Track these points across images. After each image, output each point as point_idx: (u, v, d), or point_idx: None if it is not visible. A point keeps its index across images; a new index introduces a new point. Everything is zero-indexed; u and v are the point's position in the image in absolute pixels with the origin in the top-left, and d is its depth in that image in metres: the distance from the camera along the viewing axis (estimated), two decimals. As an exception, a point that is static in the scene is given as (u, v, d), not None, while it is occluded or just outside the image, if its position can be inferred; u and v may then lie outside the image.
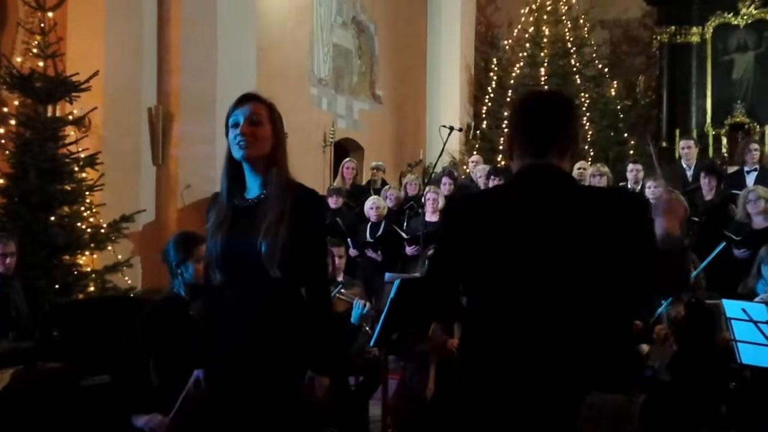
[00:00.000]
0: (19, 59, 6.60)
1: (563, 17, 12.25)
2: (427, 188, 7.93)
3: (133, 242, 7.28)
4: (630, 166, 8.01)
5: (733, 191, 7.11)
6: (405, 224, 7.90)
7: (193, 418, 3.24)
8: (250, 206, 2.68)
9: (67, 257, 6.20)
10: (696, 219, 6.81)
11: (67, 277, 6.13)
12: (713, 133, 11.87)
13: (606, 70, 12.27)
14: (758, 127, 11.69)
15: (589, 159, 10.27)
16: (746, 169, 7.68)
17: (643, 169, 7.90)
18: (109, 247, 6.54)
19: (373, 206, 7.89)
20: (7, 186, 6.20)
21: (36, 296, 5.68)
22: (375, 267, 7.48)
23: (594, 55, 12.33)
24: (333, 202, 8.10)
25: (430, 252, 5.03)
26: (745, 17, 11.89)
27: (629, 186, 7.89)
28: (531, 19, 12.38)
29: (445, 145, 7.51)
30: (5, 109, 6.56)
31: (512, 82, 12.11)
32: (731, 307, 4.16)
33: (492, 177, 8.16)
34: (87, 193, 6.42)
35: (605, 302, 2.25)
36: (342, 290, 5.12)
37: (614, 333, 2.31)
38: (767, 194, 6.24)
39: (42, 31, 6.32)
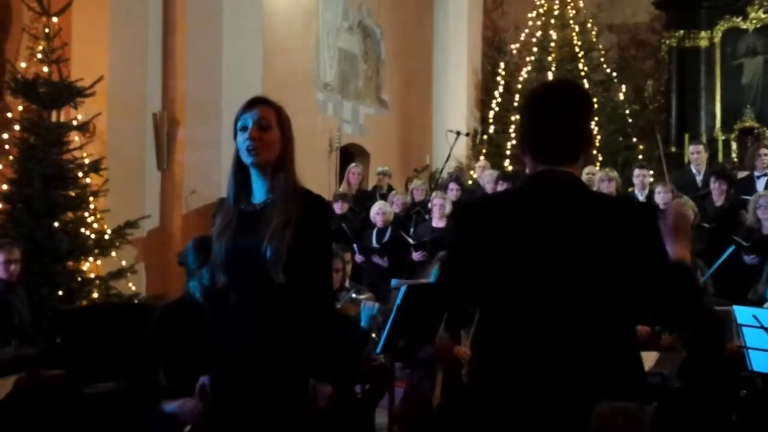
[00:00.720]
0: (23, 64, 6.59)
1: (571, 21, 12.21)
2: (434, 194, 7.89)
3: (137, 248, 7.27)
4: (636, 171, 7.97)
5: (744, 196, 7.06)
6: (412, 230, 7.86)
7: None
8: (257, 211, 2.67)
9: (71, 263, 6.18)
10: (706, 225, 6.75)
11: (71, 283, 6.12)
12: (723, 137, 11.80)
13: (614, 74, 12.21)
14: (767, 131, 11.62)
15: (598, 164, 10.22)
16: (756, 174, 7.63)
17: (650, 174, 7.86)
18: (114, 254, 6.53)
19: (379, 212, 7.85)
20: (11, 192, 6.19)
21: (39, 303, 5.67)
22: (381, 273, 7.43)
23: (602, 59, 12.28)
24: (338, 208, 8.07)
25: (441, 256, 4.99)
26: (754, 21, 11.83)
27: (636, 191, 7.84)
28: (538, 23, 12.34)
29: (452, 150, 7.49)
30: (9, 115, 6.55)
31: (519, 86, 12.05)
32: (742, 313, 4.10)
33: (500, 182, 8.13)
34: (91, 198, 6.41)
35: (614, 311, 2.20)
36: (353, 294, 5.08)
37: (621, 340, 2.25)
38: None
39: (46, 37, 6.33)
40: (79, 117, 6.51)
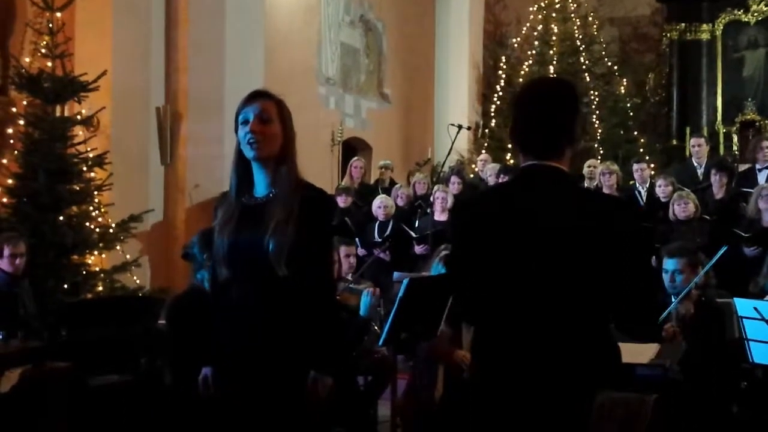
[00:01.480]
0: (27, 59, 6.61)
1: (572, 15, 12.20)
2: (436, 187, 7.91)
3: (141, 242, 7.29)
4: (635, 166, 7.99)
5: (745, 189, 7.07)
6: (416, 223, 7.88)
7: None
8: (259, 205, 2.68)
9: (75, 257, 6.21)
10: (707, 217, 6.77)
11: (76, 277, 6.15)
12: (724, 130, 11.81)
13: (615, 67, 12.21)
14: (769, 124, 11.63)
15: (599, 157, 10.23)
16: (758, 166, 7.64)
17: (649, 167, 7.88)
18: (118, 247, 6.55)
19: (381, 205, 7.87)
20: (16, 186, 6.22)
21: (45, 296, 5.69)
22: (383, 266, 7.46)
23: (603, 52, 12.28)
24: (342, 201, 8.09)
25: (443, 252, 5.02)
26: (756, 14, 11.82)
27: (637, 184, 7.86)
28: (539, 16, 12.33)
29: (453, 143, 7.50)
30: (14, 110, 6.58)
31: (521, 80, 12.03)
32: (743, 305, 4.12)
33: (502, 176, 8.15)
34: (95, 192, 6.42)
35: (597, 302, 2.27)
36: (351, 285, 5.10)
37: (603, 331, 2.33)
38: None
39: (50, 32, 6.33)
40: (83, 111, 6.52)
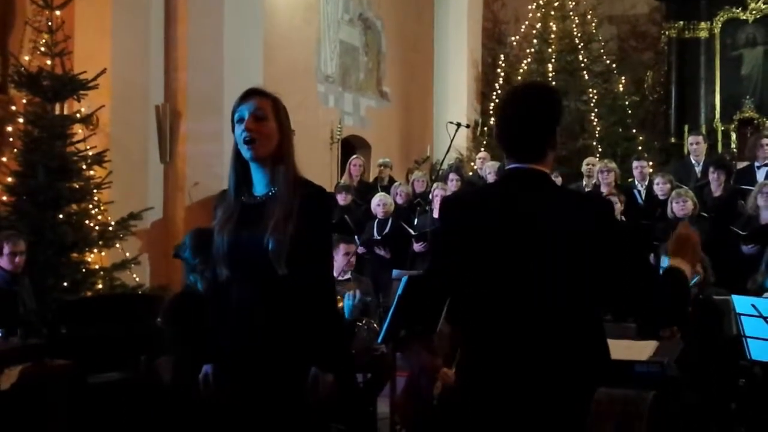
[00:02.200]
0: (26, 58, 6.61)
1: (570, 13, 12.20)
2: (435, 185, 7.91)
3: (141, 240, 7.30)
4: (635, 163, 7.99)
5: (743, 187, 7.08)
6: (415, 221, 7.89)
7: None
8: (258, 204, 2.68)
9: (75, 255, 6.22)
10: (705, 214, 6.78)
11: (76, 274, 6.15)
12: (722, 128, 11.82)
13: (614, 65, 12.21)
14: (767, 122, 11.63)
15: (597, 155, 10.24)
16: (757, 164, 7.65)
17: (648, 165, 7.88)
18: (117, 245, 6.56)
19: (380, 203, 7.88)
20: (16, 184, 6.23)
21: (44, 294, 5.70)
22: (382, 264, 7.47)
23: (602, 50, 12.28)
24: (342, 199, 8.10)
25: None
26: (754, 12, 11.83)
27: (636, 182, 7.87)
28: (538, 15, 12.33)
29: (452, 141, 7.50)
30: (13, 108, 6.58)
31: (519, 78, 12.04)
32: (741, 302, 4.13)
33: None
34: (95, 190, 6.43)
35: (579, 300, 2.31)
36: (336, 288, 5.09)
37: (590, 328, 2.36)
38: None
39: (49, 30, 6.34)
40: (83, 109, 6.53)
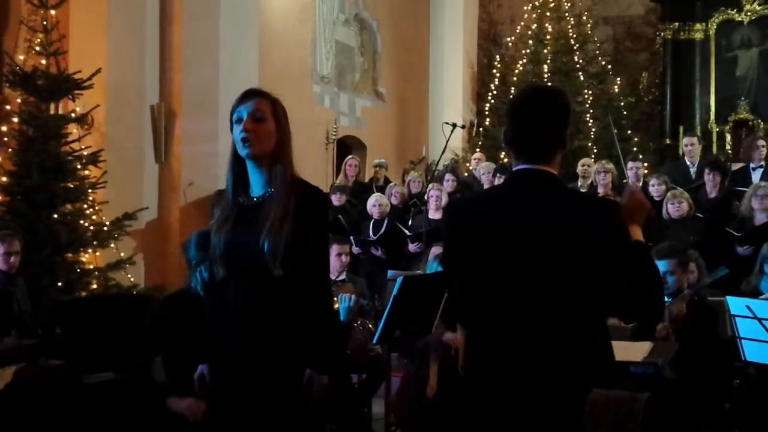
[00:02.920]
0: (21, 57, 6.60)
1: (566, 14, 12.21)
2: (430, 185, 7.92)
3: (135, 240, 7.29)
4: (630, 164, 7.99)
5: (738, 188, 7.09)
6: (410, 221, 7.89)
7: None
8: (255, 204, 2.68)
9: (70, 255, 6.21)
10: (700, 215, 6.80)
11: (70, 274, 6.15)
12: (717, 129, 11.85)
13: (609, 67, 12.24)
14: (762, 123, 11.67)
15: (593, 156, 10.24)
16: (752, 165, 7.67)
17: (643, 166, 7.89)
18: (112, 245, 6.56)
19: (375, 203, 7.88)
20: (10, 184, 6.21)
21: (39, 294, 5.69)
22: (378, 264, 7.47)
23: (597, 51, 12.30)
24: (336, 200, 8.09)
25: (437, 252, 5.04)
26: (749, 14, 11.86)
27: (630, 183, 7.87)
28: (534, 15, 12.34)
29: (447, 142, 7.51)
30: (8, 107, 6.59)
31: (515, 79, 12.08)
32: (735, 304, 4.14)
33: (498, 175, 8.17)
34: (90, 190, 6.43)
35: (588, 300, 2.33)
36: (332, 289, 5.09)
37: (596, 330, 2.38)
38: None
39: (44, 29, 6.33)
40: (78, 109, 6.53)
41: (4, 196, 6.19)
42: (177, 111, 7.89)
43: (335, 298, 4.92)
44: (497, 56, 12.88)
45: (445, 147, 7.58)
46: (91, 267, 6.35)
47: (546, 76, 11.83)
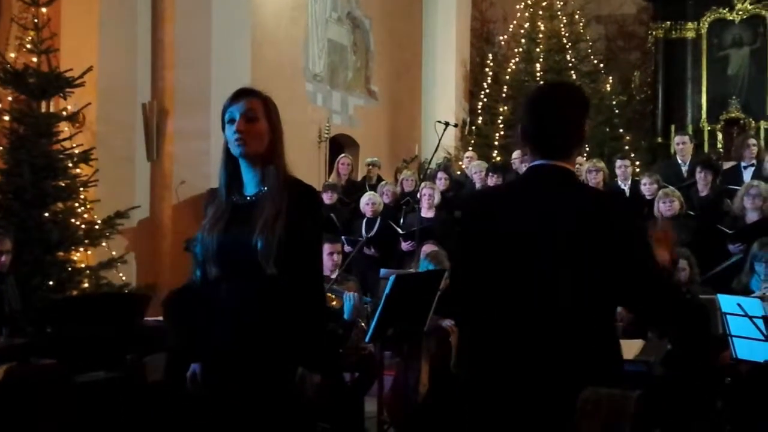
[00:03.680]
0: (12, 55, 6.57)
1: (558, 13, 12.24)
2: (423, 184, 7.92)
3: (127, 238, 7.27)
4: (618, 162, 8.01)
5: (729, 186, 7.12)
6: (401, 220, 7.89)
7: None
8: (249, 203, 2.68)
9: (61, 253, 6.18)
10: (692, 213, 6.82)
11: (61, 273, 6.12)
12: (708, 128, 11.88)
13: (601, 65, 12.26)
14: (753, 122, 11.71)
15: (585, 155, 10.25)
16: (743, 164, 7.69)
17: (632, 165, 7.90)
18: (104, 243, 6.53)
19: (369, 202, 7.88)
20: (1, 182, 6.18)
21: (30, 293, 5.67)
22: (370, 263, 7.47)
23: (589, 50, 12.32)
24: (327, 198, 8.09)
25: (429, 250, 5.03)
26: (740, 13, 11.89)
27: (619, 182, 7.89)
28: (526, 14, 12.36)
29: (440, 140, 7.50)
30: (-1, 105, 6.54)
31: (507, 77, 12.10)
32: (727, 302, 4.16)
33: (491, 174, 8.17)
34: (81, 189, 6.40)
35: (599, 301, 2.31)
36: (333, 287, 5.10)
37: (604, 330, 2.37)
38: None
39: (35, 27, 6.30)
40: (69, 107, 6.50)
41: (-5, 195, 6.17)
42: (169, 109, 7.87)
43: (338, 296, 4.93)
44: (490, 55, 12.89)
45: (438, 145, 7.58)
46: (83, 266, 6.33)
47: (538, 74, 11.85)
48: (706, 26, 12.02)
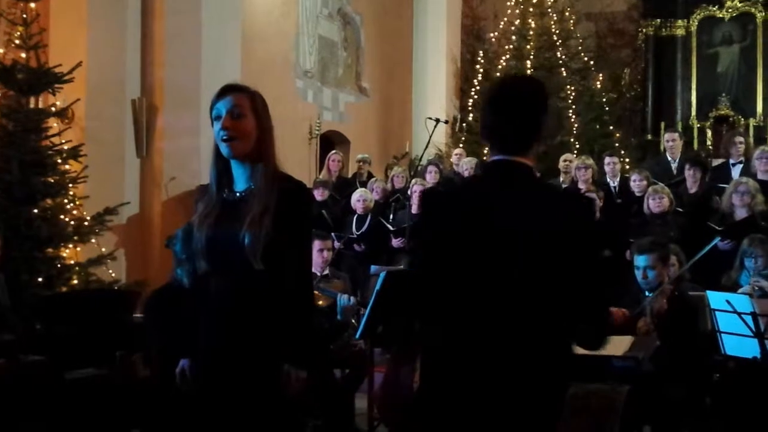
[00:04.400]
0: (1, 50, 6.52)
1: (549, 10, 12.25)
2: (413, 180, 7.92)
3: (116, 235, 7.25)
4: (607, 159, 8.03)
5: (719, 184, 7.14)
6: (392, 217, 7.89)
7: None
8: (238, 199, 2.67)
9: (50, 250, 6.15)
10: (681, 210, 6.84)
11: (51, 270, 6.09)
12: (698, 125, 11.94)
13: (592, 62, 12.29)
14: (742, 120, 11.77)
15: (575, 151, 10.29)
16: (732, 161, 7.72)
17: (621, 162, 7.92)
18: (93, 240, 6.51)
19: (360, 199, 7.88)
20: (-11, 178, 6.15)
21: (19, 289, 5.63)
22: (360, 259, 7.47)
23: (580, 47, 12.34)
24: (319, 195, 8.09)
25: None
26: (730, 10, 11.94)
27: (608, 179, 7.91)
28: (517, 11, 12.37)
29: (431, 137, 7.51)
30: (-13, 101, 6.49)
31: (498, 74, 12.09)
32: (715, 298, 4.18)
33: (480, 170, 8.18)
34: (70, 185, 6.37)
35: (555, 297, 2.27)
36: (320, 285, 5.08)
37: (560, 327, 2.31)
38: (756, 190, 6.24)
39: (24, 22, 6.27)
40: (58, 103, 6.46)
41: (-16, 191, 6.13)
42: (158, 105, 7.85)
43: (327, 295, 4.92)
44: (480, 52, 12.90)
45: (429, 142, 7.58)
46: (72, 262, 6.30)
47: (529, 72, 11.85)
48: (696, 24, 12.07)
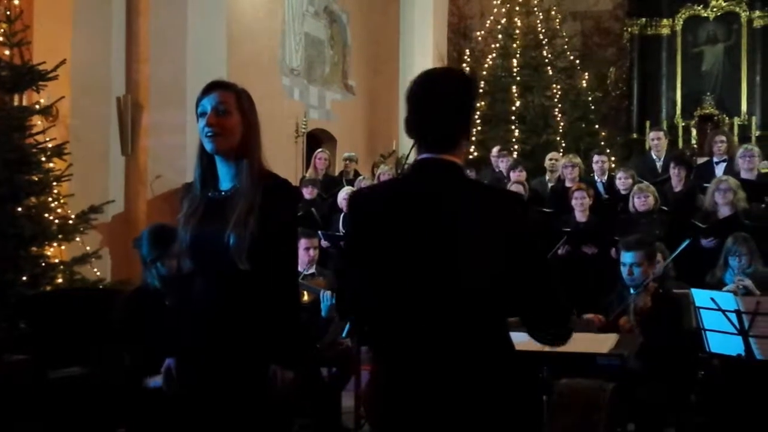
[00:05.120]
0: (-16, 48, 6.48)
1: (535, 9, 12.30)
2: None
3: (101, 233, 7.20)
4: (595, 158, 8.06)
5: (703, 182, 7.18)
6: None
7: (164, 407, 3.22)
8: (224, 198, 2.66)
9: (34, 249, 6.10)
10: (665, 208, 6.88)
11: (35, 268, 6.04)
12: (683, 124, 12.01)
13: (577, 61, 12.35)
14: (727, 118, 11.85)
15: (561, 150, 10.33)
16: (715, 159, 7.77)
17: (609, 160, 7.95)
18: (78, 239, 6.45)
19: (347, 197, 7.86)
20: (-27, 177, 6.10)
21: (3, 288, 5.60)
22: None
23: (565, 46, 12.40)
24: (308, 193, 8.07)
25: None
26: (715, 9, 12.02)
27: (596, 177, 7.94)
28: (503, 10, 12.41)
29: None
30: (-30, 99, 6.44)
31: (485, 73, 12.13)
32: (700, 296, 4.20)
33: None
34: (54, 183, 6.31)
35: (489, 296, 2.20)
36: (303, 281, 5.08)
37: (496, 326, 2.25)
38: (737, 186, 6.29)
39: (8, 19, 6.21)
40: (42, 101, 6.41)
41: (-33, 190, 6.08)
42: (144, 103, 7.80)
43: (310, 291, 4.91)
44: (467, 50, 12.93)
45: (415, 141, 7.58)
46: (56, 261, 6.25)
47: (515, 70, 11.90)
48: (681, 23, 12.15)
